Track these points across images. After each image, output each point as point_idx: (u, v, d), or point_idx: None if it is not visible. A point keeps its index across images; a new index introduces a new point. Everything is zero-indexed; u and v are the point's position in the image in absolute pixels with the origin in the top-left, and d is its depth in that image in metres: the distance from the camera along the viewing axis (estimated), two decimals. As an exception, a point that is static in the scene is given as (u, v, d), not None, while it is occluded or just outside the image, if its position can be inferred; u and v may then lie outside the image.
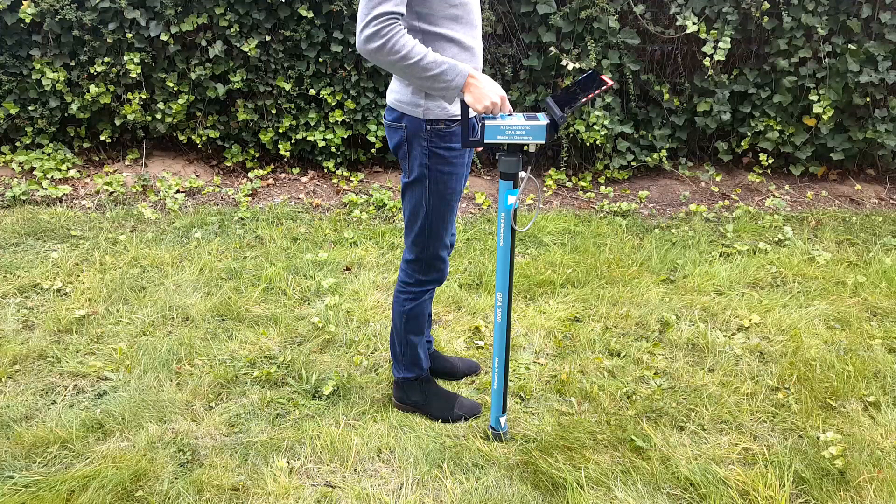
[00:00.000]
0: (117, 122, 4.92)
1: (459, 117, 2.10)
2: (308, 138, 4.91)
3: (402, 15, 1.92)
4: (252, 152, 5.10)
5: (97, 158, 5.14)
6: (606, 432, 2.40)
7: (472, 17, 2.11)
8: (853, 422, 2.48)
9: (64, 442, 2.31)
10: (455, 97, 2.00)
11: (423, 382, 2.50)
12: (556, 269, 3.70)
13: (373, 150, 5.04)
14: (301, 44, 4.73)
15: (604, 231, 4.27)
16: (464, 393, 2.65)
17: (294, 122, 4.92)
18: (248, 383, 2.68)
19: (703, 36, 4.60)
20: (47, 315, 3.14)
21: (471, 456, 2.29)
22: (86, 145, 5.12)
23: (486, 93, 1.95)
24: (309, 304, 3.34)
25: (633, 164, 5.08)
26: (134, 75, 4.70)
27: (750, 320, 3.17)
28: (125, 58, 4.68)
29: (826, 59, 4.69)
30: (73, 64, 4.78)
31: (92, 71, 4.74)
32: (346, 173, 5.04)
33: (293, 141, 5.00)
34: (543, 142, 2.02)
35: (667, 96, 4.90)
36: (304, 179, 5.03)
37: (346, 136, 4.94)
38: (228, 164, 5.11)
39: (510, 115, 2.04)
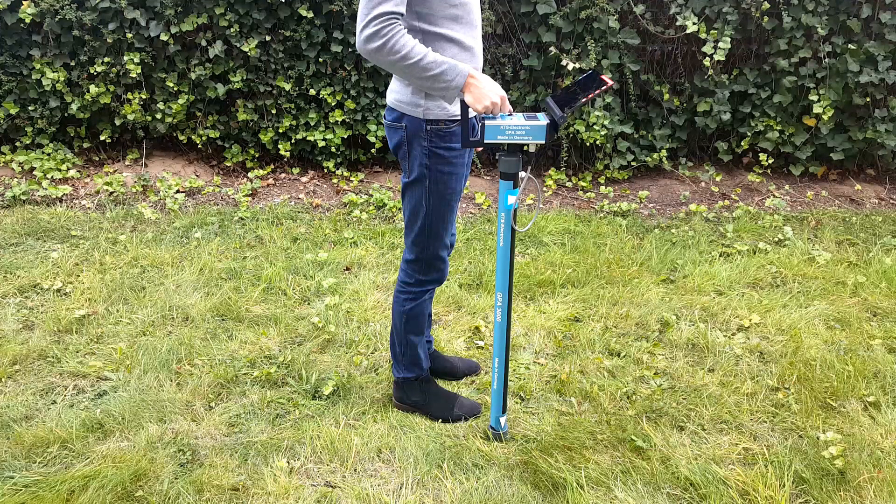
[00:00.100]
0: (117, 122, 4.92)
1: (459, 117, 2.10)
2: (308, 138, 4.91)
3: (402, 15, 1.92)
4: (252, 152, 5.10)
5: (97, 158, 5.14)
6: (606, 432, 2.40)
7: (472, 17, 2.11)
8: (853, 422, 2.48)
9: (64, 442, 2.31)
10: (455, 97, 2.00)
11: (423, 382, 2.50)
12: (556, 269, 3.70)
13: (373, 150, 5.04)
14: (301, 44, 4.73)
15: (604, 231, 4.27)
16: (464, 393, 2.65)
17: (294, 122, 4.92)
18: (248, 383, 2.68)
19: (703, 36, 4.60)
20: (47, 315, 3.14)
21: (471, 456, 2.29)
22: (86, 145, 5.12)
23: (486, 93, 1.95)
24: (309, 304, 3.34)
25: (633, 164, 5.08)
26: (134, 75, 4.70)
27: (750, 320, 3.17)
28: (125, 58, 4.68)
29: (826, 59, 4.69)
30: (73, 64, 4.78)
31: (92, 71, 4.74)
32: (346, 173, 5.04)
33: (293, 141, 5.00)
34: (543, 142, 2.01)
35: (667, 96, 4.90)
36: (304, 179, 5.03)
37: (346, 136, 4.94)
38: (228, 164, 5.11)
39: (510, 115, 2.03)
